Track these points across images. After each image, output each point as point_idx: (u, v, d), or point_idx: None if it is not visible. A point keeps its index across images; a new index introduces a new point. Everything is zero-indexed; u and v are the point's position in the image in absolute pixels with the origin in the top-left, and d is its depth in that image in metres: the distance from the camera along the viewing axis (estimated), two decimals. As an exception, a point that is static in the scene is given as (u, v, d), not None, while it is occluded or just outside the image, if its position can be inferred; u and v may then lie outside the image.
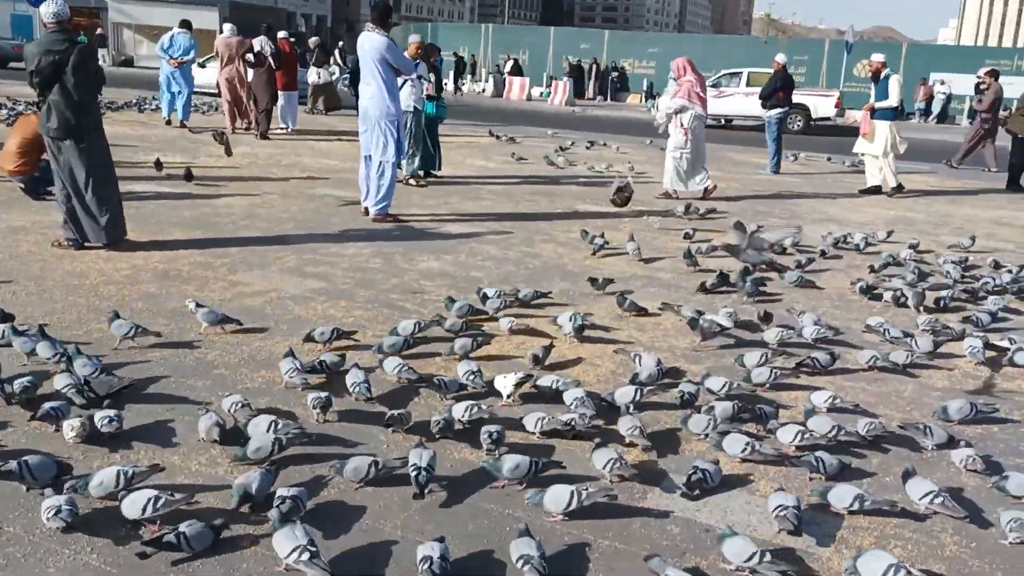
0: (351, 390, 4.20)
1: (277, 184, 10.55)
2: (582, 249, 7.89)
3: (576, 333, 5.28)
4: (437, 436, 3.82)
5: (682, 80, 11.01)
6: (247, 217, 8.49)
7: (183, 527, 2.90)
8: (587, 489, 3.29)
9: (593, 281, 6.46)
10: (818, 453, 3.71)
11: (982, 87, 16.79)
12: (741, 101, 25.58)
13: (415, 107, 10.72)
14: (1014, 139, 14.23)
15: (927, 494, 3.44)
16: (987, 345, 5.47)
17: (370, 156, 8.58)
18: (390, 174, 8.58)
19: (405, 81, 10.26)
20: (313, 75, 20.63)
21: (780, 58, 14.47)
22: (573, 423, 3.93)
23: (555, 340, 5.16)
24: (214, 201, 9.18)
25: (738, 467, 3.76)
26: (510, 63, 38.65)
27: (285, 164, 12.38)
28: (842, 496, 3.43)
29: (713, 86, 24.33)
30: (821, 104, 25.24)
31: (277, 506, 3.04)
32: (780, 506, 3.28)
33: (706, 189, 11.29)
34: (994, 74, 16.44)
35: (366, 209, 8.77)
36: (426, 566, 2.80)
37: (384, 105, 8.41)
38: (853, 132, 24.48)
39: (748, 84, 26.07)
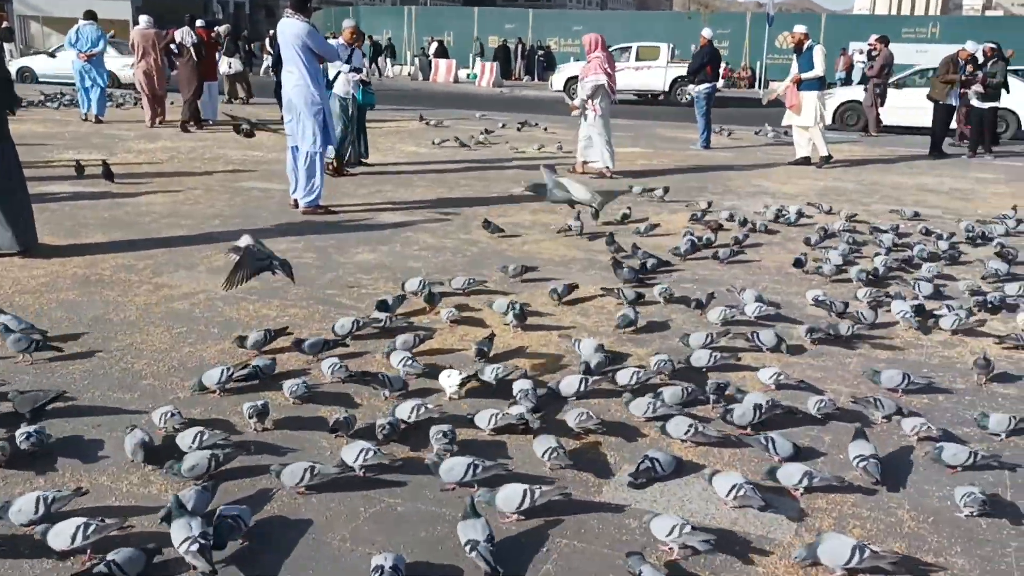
0: (287, 392, 4.03)
1: (201, 179, 10.19)
2: (521, 234, 7.79)
3: (519, 321, 5.16)
4: (383, 440, 3.66)
5: (591, 56, 10.99)
6: (170, 215, 8.16)
7: (112, 555, 2.71)
8: (540, 488, 3.19)
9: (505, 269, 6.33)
10: (770, 434, 3.67)
11: (873, 53, 17.24)
12: (631, 75, 25.89)
13: (353, 95, 10.40)
14: (935, 106, 14.53)
15: (855, 457, 3.51)
16: (916, 309, 5.54)
17: (297, 146, 8.32)
18: (319, 165, 8.33)
19: (340, 70, 9.98)
20: (224, 65, 20.06)
21: (706, 33, 14.51)
22: (523, 416, 3.82)
23: (495, 329, 5.05)
24: (135, 199, 8.81)
25: (693, 454, 3.69)
26: (435, 45, 38.23)
27: (208, 157, 11.99)
28: (791, 474, 3.39)
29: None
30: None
31: (216, 526, 2.87)
32: (735, 486, 3.23)
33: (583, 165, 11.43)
34: (884, 40, 16.97)
35: (295, 202, 8.51)
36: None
37: (308, 93, 8.15)
38: (742, 102, 24.78)
39: (637, 58, 26.35)
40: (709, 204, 9.07)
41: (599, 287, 6.03)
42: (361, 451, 3.38)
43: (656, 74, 26.70)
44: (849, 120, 18.66)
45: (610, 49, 11.43)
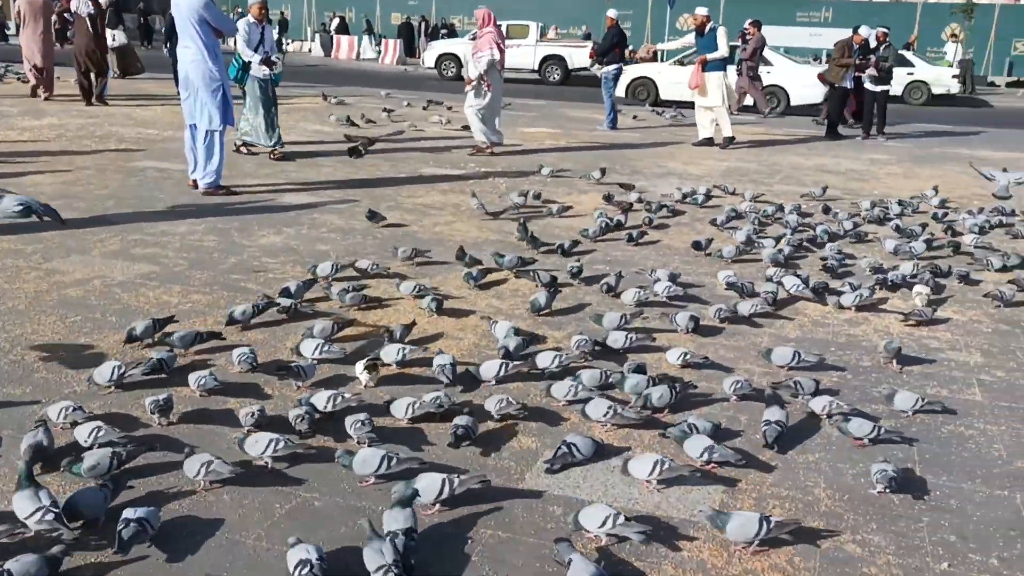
0: (194, 384, 3.84)
1: (91, 158, 9.68)
2: (432, 215, 7.67)
3: (436, 309, 5.05)
4: (301, 433, 3.53)
5: (483, 32, 10.90)
6: (60, 196, 7.70)
7: (9, 563, 2.52)
8: (459, 476, 3.12)
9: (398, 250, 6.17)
10: (691, 419, 3.69)
11: (748, 36, 17.73)
12: None
13: (272, 77, 9.93)
14: (831, 88, 14.94)
15: (764, 421, 3.68)
16: (805, 282, 5.73)
17: (195, 125, 7.98)
18: (218, 143, 8.01)
19: (251, 60, 9.57)
20: (107, 37, 19.13)
21: (612, 13, 14.55)
22: (440, 402, 3.73)
23: (412, 315, 4.95)
24: (19, 180, 8.29)
25: (614, 437, 3.68)
26: (336, 21, 37.39)
27: (99, 135, 11.41)
28: (694, 446, 3.45)
29: (472, 38, 24.61)
30: (576, 55, 26.08)
31: (120, 531, 2.70)
32: (658, 461, 3.24)
33: (487, 147, 11.35)
34: (757, 24, 17.50)
35: (195, 182, 8.18)
36: (306, 570, 2.58)
37: (206, 69, 7.82)
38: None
39: (507, 36, 26.37)
40: (632, 187, 9.12)
41: (514, 270, 5.96)
42: (270, 442, 3.26)
43: (525, 52, 26.52)
44: (640, 95, 19.72)
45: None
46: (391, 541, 2.70)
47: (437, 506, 3.07)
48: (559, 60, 25.93)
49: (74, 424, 3.43)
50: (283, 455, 3.27)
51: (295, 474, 3.26)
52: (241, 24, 9.47)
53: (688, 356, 4.45)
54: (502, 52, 10.95)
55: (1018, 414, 4.11)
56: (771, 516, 2.93)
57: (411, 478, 3.09)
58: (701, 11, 13.06)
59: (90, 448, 3.22)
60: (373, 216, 7.16)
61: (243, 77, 9.65)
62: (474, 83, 11.03)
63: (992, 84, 33.16)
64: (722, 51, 12.62)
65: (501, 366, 4.12)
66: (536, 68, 26.34)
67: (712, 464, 3.42)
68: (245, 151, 10.24)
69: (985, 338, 5.16)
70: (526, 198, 7.98)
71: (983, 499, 3.32)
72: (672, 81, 18.81)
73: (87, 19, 14.35)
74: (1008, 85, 32.95)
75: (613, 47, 14.33)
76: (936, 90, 23.63)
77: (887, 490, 3.29)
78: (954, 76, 24.34)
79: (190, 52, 7.82)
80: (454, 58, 25.98)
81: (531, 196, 8.11)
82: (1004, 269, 6.49)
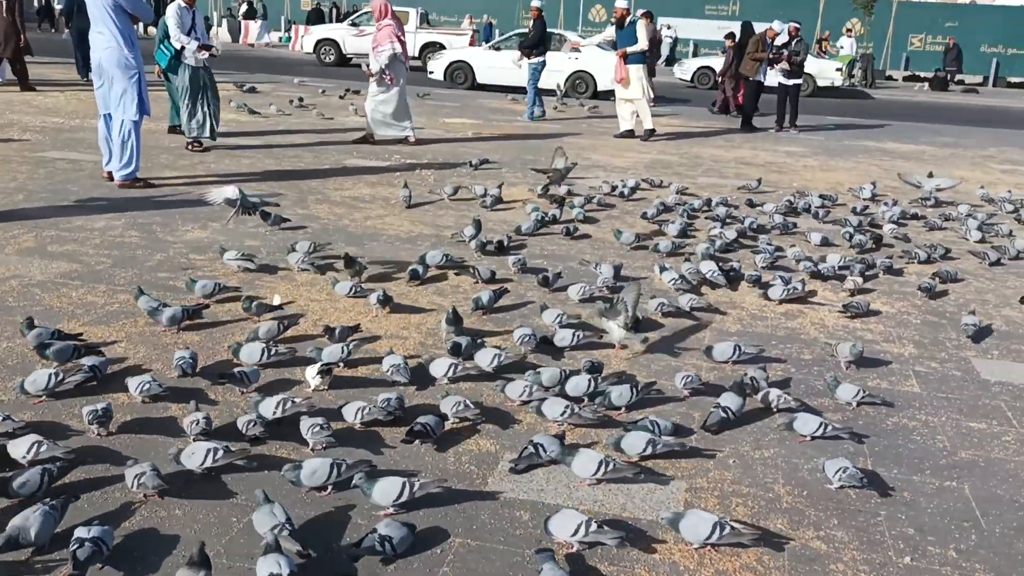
0: (136, 390, 3.65)
1: (-6, 148, 9.19)
2: (362, 208, 7.50)
3: (383, 302, 4.94)
4: (251, 440, 3.39)
5: (382, 24, 10.69)
6: (-37, 189, 7.30)
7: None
8: (419, 480, 3.05)
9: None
10: (652, 417, 3.68)
11: None
12: None
13: (205, 64, 9.49)
14: (745, 81, 15.24)
15: (713, 408, 3.80)
16: (722, 270, 5.88)
17: (110, 115, 7.62)
18: (134, 134, 7.67)
19: (185, 45, 9.16)
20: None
21: (536, 3, 14.47)
22: (390, 408, 3.63)
23: (358, 319, 4.84)
24: (-83, 171, 7.82)
25: (573, 437, 3.64)
26: (244, 6, 36.37)
27: (0, 124, 10.82)
28: (635, 443, 3.44)
29: (353, 24, 25.17)
30: (457, 43, 25.93)
31: (74, 551, 2.53)
32: (602, 462, 3.22)
33: (407, 139, 11.20)
34: (648, 15, 17.77)
35: (109, 174, 7.82)
36: None
37: (120, 57, 7.48)
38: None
39: None
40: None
41: (438, 266, 5.86)
42: (208, 452, 3.11)
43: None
44: (458, 79, 20.34)
45: (362, 12, 11.09)
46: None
47: (394, 509, 2.99)
48: (440, 48, 25.73)
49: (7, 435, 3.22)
50: (222, 464, 3.13)
51: (251, 485, 3.12)
52: (172, 9, 9.10)
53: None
54: (403, 44, 10.74)
55: (955, 405, 4.24)
56: (726, 522, 2.90)
57: (368, 481, 3.01)
58: (621, 4, 13.11)
59: (31, 465, 3.02)
60: (267, 217, 6.58)
61: (175, 65, 9.27)
62: (375, 76, 10.82)
63: (890, 78, 34.43)
64: (642, 44, 12.72)
65: (450, 366, 4.05)
66: (417, 55, 25.98)
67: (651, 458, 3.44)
68: (191, 148, 9.73)
69: (916, 329, 5.31)
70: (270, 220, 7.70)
71: (934, 491, 3.41)
72: (487, 65, 19.67)
73: (3, 4, 13.64)
74: (905, 79, 34.28)
75: (542, 39, 14.28)
76: (821, 83, 24.50)
77: (844, 487, 3.34)
78: (838, 69, 25.35)
79: (103, 39, 7.46)
80: (333, 43, 25.45)
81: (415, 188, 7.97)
82: (928, 261, 6.72)
